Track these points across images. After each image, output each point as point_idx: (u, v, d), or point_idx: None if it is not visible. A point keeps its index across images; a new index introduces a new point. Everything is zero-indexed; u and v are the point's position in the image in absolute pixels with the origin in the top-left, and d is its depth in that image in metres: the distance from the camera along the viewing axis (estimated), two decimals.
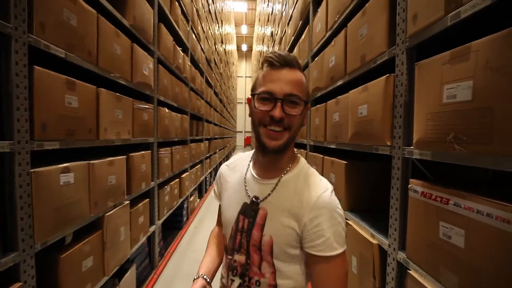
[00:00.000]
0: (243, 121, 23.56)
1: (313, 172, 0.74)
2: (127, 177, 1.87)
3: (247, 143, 23.44)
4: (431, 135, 0.92)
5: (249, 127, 22.31)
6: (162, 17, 2.68)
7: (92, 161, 1.44)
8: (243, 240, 0.71)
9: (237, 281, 0.72)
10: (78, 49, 1.33)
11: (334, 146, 1.82)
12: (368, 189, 1.65)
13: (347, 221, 1.56)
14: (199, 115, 4.78)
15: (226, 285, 0.76)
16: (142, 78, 2.09)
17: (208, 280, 0.76)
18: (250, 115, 0.71)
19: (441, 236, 0.87)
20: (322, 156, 2.07)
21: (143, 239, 2.21)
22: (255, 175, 0.74)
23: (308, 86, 0.69)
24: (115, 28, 1.68)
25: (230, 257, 0.75)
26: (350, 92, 1.53)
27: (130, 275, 2.00)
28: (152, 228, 2.44)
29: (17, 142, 1.00)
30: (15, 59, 0.99)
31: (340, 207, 0.68)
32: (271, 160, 0.71)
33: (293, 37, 3.43)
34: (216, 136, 7.26)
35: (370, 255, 1.29)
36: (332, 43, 1.84)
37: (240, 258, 0.72)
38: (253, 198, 0.71)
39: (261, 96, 0.65)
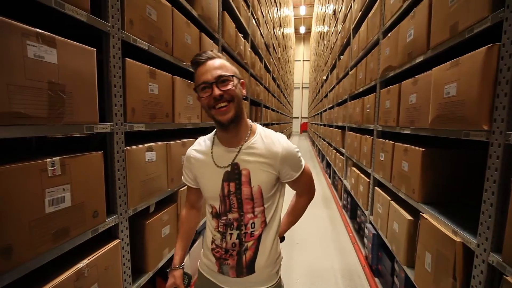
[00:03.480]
0: (299, 106, 23.05)
1: (269, 131, 0.92)
2: None
3: (303, 129, 22.93)
4: None
5: (305, 113, 21.77)
6: (225, 5, 2.75)
7: (169, 142, 1.62)
8: (233, 200, 0.87)
9: (235, 233, 0.89)
10: (157, 41, 1.48)
11: (409, 132, 1.64)
12: (445, 179, 1.45)
13: (422, 214, 1.41)
14: (258, 100, 4.86)
15: (221, 244, 0.90)
16: None
17: (182, 266, 1.02)
18: (202, 107, 0.88)
19: None
20: (392, 142, 1.89)
21: (200, 217, 2.42)
22: (223, 147, 0.89)
23: (233, 66, 0.85)
24: (186, 19, 1.80)
25: (224, 218, 0.89)
26: (433, 69, 1.33)
27: (198, 246, 2.23)
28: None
29: (115, 123, 1.19)
30: (113, 53, 1.15)
31: (293, 146, 0.89)
32: (232, 132, 0.86)
33: (360, 13, 3.13)
34: (273, 122, 7.31)
35: (451, 254, 1.15)
36: (412, 13, 1.61)
37: (233, 215, 0.88)
38: (233, 165, 0.86)
39: (200, 87, 0.82)
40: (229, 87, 0.80)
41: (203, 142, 0.96)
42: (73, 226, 0.99)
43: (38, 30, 0.81)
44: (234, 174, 0.86)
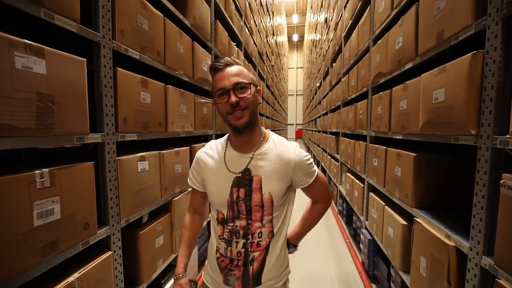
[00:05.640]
0: (294, 113, 23.21)
1: (281, 138, 0.94)
2: (190, 166, 2.03)
3: (298, 136, 23.05)
4: None
5: (300, 120, 21.90)
6: (218, 14, 2.78)
7: (162, 151, 1.60)
8: (242, 207, 0.85)
9: (241, 241, 0.87)
10: (149, 50, 1.49)
11: (400, 137, 1.66)
12: (438, 184, 1.47)
13: (416, 219, 1.42)
14: None
15: (225, 253, 0.88)
16: (201, 74, 2.23)
17: (186, 274, 0.98)
18: (218, 112, 0.87)
19: None
20: (385, 148, 1.91)
21: (203, 223, 2.39)
22: (236, 152, 0.89)
23: (250, 73, 0.86)
24: (178, 28, 1.81)
25: (231, 224, 0.88)
26: (422, 75, 1.36)
27: (193, 256, 2.19)
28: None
29: (106, 133, 1.18)
30: (103, 63, 1.15)
31: (305, 153, 0.90)
32: (246, 137, 0.87)
33: (350, 21, 3.20)
34: (268, 129, 7.31)
35: (444, 258, 1.15)
36: (400, 21, 1.65)
37: (241, 222, 0.87)
38: (245, 171, 0.86)
39: (218, 93, 0.83)
40: (246, 94, 0.81)
41: (214, 146, 0.95)
42: (63, 239, 0.97)
43: (26, 41, 0.80)
44: (245, 180, 0.85)
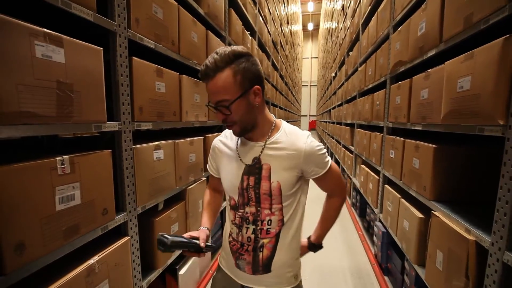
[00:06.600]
0: (308, 104, 22.87)
1: (293, 127, 0.92)
2: (204, 155, 2.05)
3: (311, 127, 22.77)
4: None
5: (314, 111, 21.57)
6: (232, 2, 2.73)
7: (177, 141, 1.62)
8: (251, 194, 0.87)
9: (251, 227, 0.89)
10: (164, 39, 1.48)
11: (420, 128, 1.59)
12: (457, 176, 1.41)
13: (433, 212, 1.38)
14: (266, 98, 4.82)
15: (237, 238, 0.92)
16: None
17: (209, 229, 0.98)
18: None
19: None
20: (403, 139, 1.85)
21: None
22: (248, 141, 0.90)
23: (240, 75, 0.76)
24: (192, 17, 1.80)
25: (241, 211, 0.90)
26: (446, 63, 1.28)
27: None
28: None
29: (123, 122, 1.20)
30: (119, 52, 1.16)
31: (317, 143, 0.87)
32: (251, 134, 0.88)
33: (369, 7, 3.06)
34: (280, 119, 7.24)
35: (463, 252, 1.11)
36: (423, 6, 1.56)
37: (250, 209, 0.89)
38: (255, 159, 0.87)
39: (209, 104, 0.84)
40: (229, 113, 0.79)
41: (229, 134, 0.97)
42: (83, 223, 1.01)
43: (45, 30, 0.82)
44: (254, 168, 0.87)
